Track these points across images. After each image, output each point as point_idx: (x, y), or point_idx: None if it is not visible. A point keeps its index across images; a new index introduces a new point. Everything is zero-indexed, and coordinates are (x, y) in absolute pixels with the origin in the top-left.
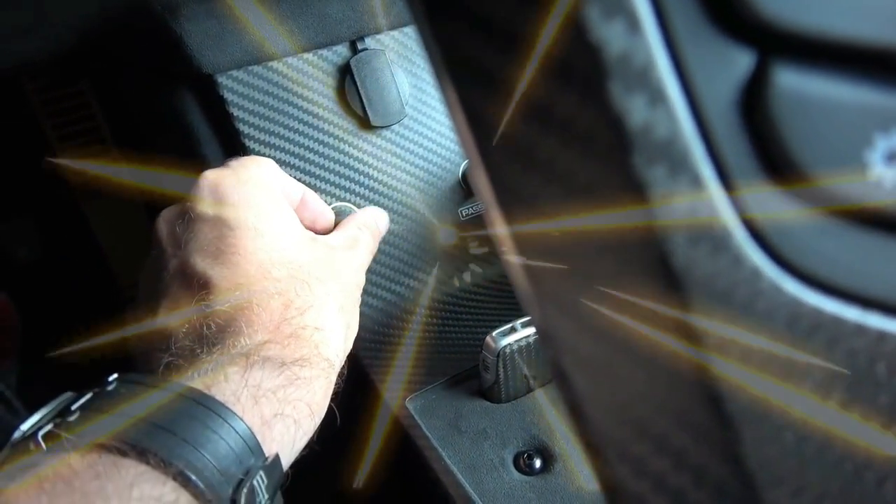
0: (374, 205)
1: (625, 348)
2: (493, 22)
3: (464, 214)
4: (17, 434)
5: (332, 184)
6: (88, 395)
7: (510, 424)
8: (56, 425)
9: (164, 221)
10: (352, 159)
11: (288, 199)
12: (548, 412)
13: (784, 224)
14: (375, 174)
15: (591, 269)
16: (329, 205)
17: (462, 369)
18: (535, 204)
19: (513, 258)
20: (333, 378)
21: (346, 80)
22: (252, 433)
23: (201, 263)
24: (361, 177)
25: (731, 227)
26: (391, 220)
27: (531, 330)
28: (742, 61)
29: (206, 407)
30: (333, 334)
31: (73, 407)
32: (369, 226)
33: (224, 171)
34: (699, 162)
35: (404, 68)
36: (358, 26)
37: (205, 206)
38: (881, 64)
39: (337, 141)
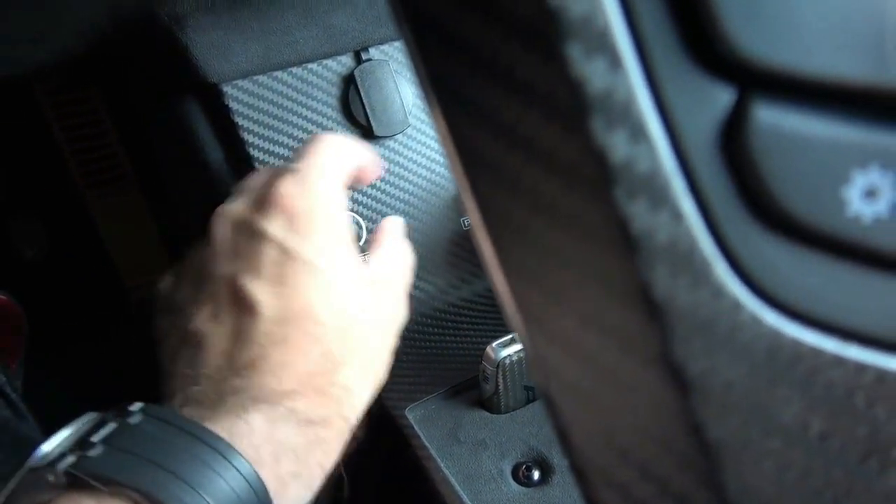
0: (376, 214)
1: (609, 376)
2: (478, 54)
3: (466, 224)
4: (36, 457)
5: None
6: (112, 426)
7: (509, 435)
8: (78, 459)
9: (227, 222)
10: None
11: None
12: (546, 424)
13: (764, 257)
14: (378, 183)
15: (576, 297)
16: None
17: (462, 379)
18: (521, 231)
19: (500, 282)
20: (347, 436)
21: (350, 90)
22: (268, 495)
23: (253, 285)
24: (364, 186)
25: (711, 259)
26: None
27: None
28: (722, 98)
29: (228, 461)
30: (359, 394)
31: (95, 438)
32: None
33: (300, 189)
34: (679, 196)
35: (408, 79)
36: (362, 37)
37: (275, 227)
38: (859, 101)
39: None
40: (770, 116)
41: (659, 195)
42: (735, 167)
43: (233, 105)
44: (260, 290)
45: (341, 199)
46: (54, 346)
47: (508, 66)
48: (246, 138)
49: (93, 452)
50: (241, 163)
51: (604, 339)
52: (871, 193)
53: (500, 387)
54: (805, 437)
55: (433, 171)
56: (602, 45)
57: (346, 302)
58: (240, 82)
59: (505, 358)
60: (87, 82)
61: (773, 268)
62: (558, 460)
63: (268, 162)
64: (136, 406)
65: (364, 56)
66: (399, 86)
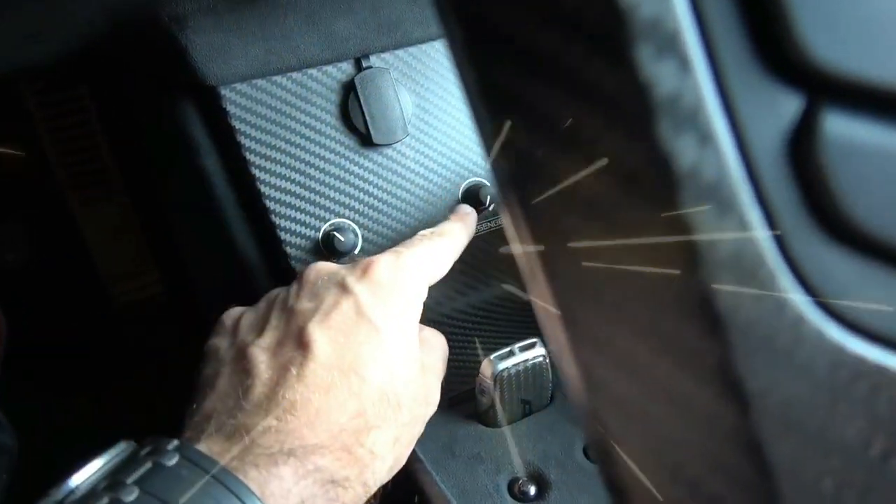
0: (373, 223)
1: (662, 390)
2: (537, 56)
3: None
4: (65, 490)
5: (332, 199)
6: (147, 466)
7: (505, 450)
8: (112, 501)
9: (321, 271)
10: (352, 176)
11: None
12: (543, 438)
13: (828, 270)
14: (375, 192)
15: (632, 307)
16: (327, 221)
17: (457, 392)
18: (574, 240)
19: (543, 292)
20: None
21: (350, 97)
22: None
23: (318, 327)
24: (361, 194)
25: (776, 271)
26: (389, 239)
27: (529, 354)
28: (791, 105)
29: None
30: (382, 463)
31: (129, 479)
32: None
33: (394, 267)
34: (746, 205)
35: (408, 88)
36: (363, 44)
37: (360, 287)
38: None
39: (338, 157)
40: (840, 126)
41: (726, 203)
42: (802, 176)
43: (230, 108)
44: (321, 333)
45: (423, 292)
46: (35, 352)
47: (571, 68)
48: (243, 142)
49: (127, 497)
50: (237, 167)
51: (659, 352)
52: None
53: (497, 400)
54: (866, 455)
55: (430, 181)
56: (672, 46)
57: (394, 370)
58: (238, 86)
59: (503, 371)
60: (75, 82)
61: (838, 281)
62: (555, 476)
63: (264, 167)
64: (173, 444)
65: (365, 63)
66: (399, 94)
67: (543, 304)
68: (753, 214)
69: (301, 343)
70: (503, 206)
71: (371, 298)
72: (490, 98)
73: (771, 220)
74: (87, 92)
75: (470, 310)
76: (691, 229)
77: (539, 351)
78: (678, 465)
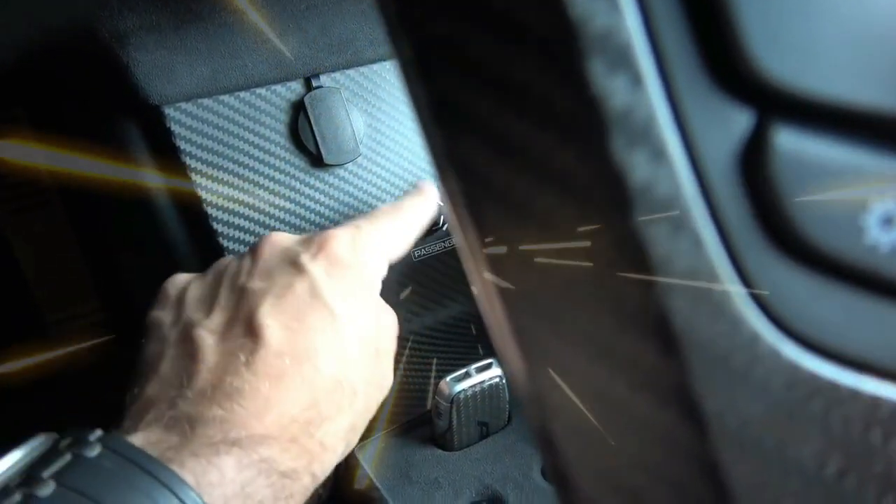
0: None
1: (620, 414)
2: (488, 72)
3: (415, 256)
4: None
5: (282, 221)
6: (66, 459)
7: (463, 473)
8: (24, 499)
9: (276, 245)
10: (303, 197)
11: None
12: (501, 460)
13: (782, 286)
14: (326, 212)
15: (587, 329)
16: None
17: (413, 416)
18: (527, 260)
19: (497, 314)
20: (310, 493)
21: (300, 117)
22: None
23: (270, 312)
24: (312, 215)
25: (730, 289)
26: None
27: (485, 375)
28: (742, 120)
29: None
30: (332, 454)
31: (46, 473)
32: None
33: (351, 243)
34: (700, 221)
35: (359, 107)
36: (313, 63)
37: (315, 266)
38: (879, 129)
39: (288, 178)
40: (790, 141)
41: (679, 220)
42: (754, 191)
43: (175, 128)
44: (273, 319)
45: (383, 270)
46: None
47: (522, 83)
48: (188, 163)
49: (42, 491)
50: (182, 188)
51: (615, 374)
52: (888, 222)
53: (454, 423)
54: (822, 475)
55: (383, 201)
56: (624, 60)
57: (349, 357)
58: (183, 105)
59: (459, 393)
60: (10, 103)
61: (791, 297)
62: (513, 498)
63: (211, 188)
64: (95, 434)
65: (315, 83)
66: (350, 114)
67: (499, 327)
68: (707, 231)
69: (251, 329)
70: (454, 227)
71: (326, 279)
72: (440, 115)
73: (724, 236)
74: (24, 111)
75: (425, 331)
76: (646, 247)
77: (496, 371)
78: (637, 489)
